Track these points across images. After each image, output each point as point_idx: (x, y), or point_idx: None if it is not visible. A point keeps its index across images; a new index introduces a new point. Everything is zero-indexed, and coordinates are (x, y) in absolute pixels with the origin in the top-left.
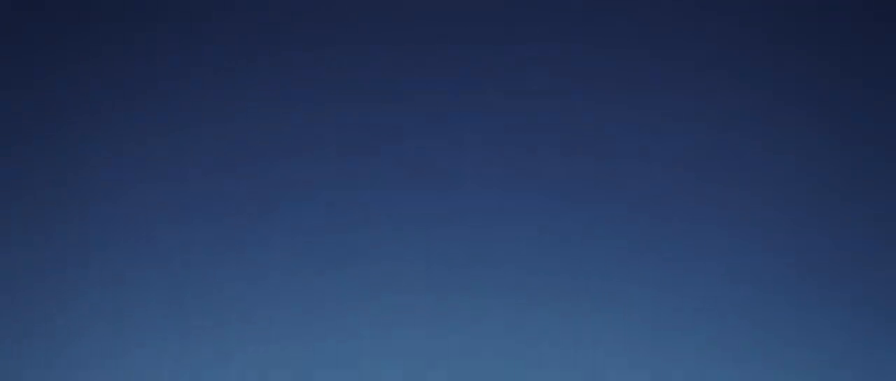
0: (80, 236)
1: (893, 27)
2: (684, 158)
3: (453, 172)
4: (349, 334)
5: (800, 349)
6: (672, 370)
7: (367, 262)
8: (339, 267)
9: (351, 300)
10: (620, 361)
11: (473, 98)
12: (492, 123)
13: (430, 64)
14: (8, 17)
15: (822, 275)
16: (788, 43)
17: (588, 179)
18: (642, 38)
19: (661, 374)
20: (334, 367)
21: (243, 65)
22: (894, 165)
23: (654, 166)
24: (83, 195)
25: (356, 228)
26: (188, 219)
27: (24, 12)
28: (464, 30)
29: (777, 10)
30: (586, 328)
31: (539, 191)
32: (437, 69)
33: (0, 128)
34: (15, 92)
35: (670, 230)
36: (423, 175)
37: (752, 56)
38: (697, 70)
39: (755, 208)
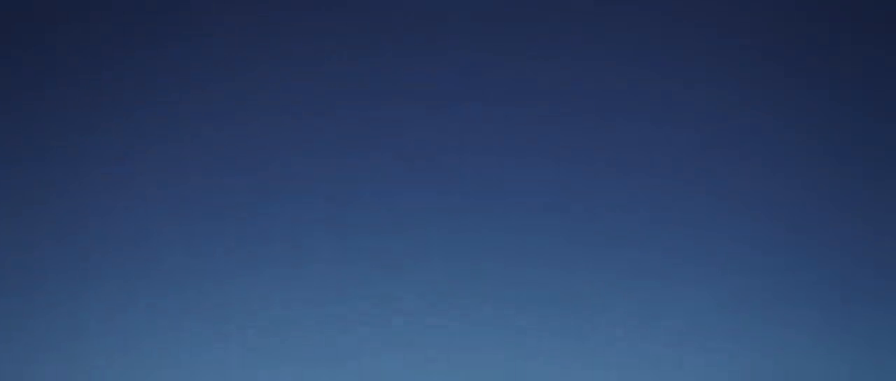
0: (83, 234)
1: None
2: (687, 155)
3: (453, 167)
4: (349, 325)
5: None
6: (670, 355)
7: (366, 256)
8: (340, 260)
9: (351, 293)
10: (624, 343)
11: (474, 94)
12: (492, 119)
13: (430, 59)
14: (8, 17)
15: (821, 267)
16: (793, 40)
17: (590, 174)
18: (646, 35)
19: (660, 358)
20: (335, 358)
21: (243, 61)
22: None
23: (656, 163)
24: (85, 194)
25: (356, 222)
26: (189, 215)
27: (24, 11)
28: (467, 27)
29: (784, 9)
30: (586, 322)
31: (541, 186)
32: (437, 65)
33: (3, 127)
34: (17, 92)
35: (671, 227)
36: (422, 170)
37: (756, 53)
38: (701, 66)
39: (756, 202)
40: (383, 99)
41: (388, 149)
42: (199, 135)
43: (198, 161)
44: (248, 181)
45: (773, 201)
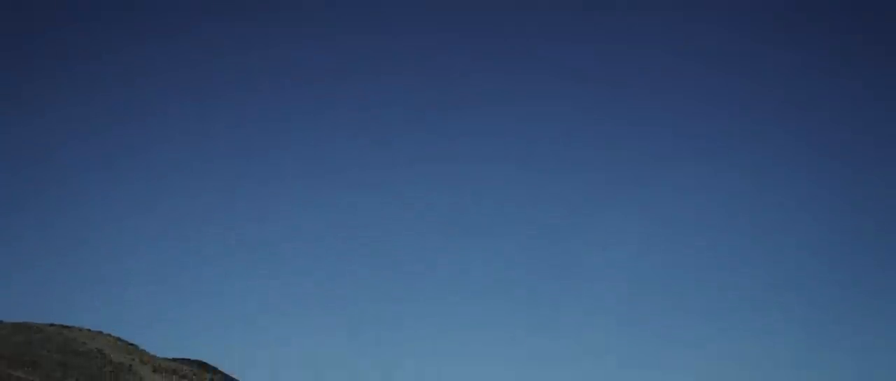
0: (86, 237)
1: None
2: (688, 161)
3: (460, 173)
4: (355, 328)
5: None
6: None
7: (373, 262)
8: (348, 266)
9: (355, 299)
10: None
11: (480, 102)
12: (498, 127)
13: (440, 63)
14: (10, 18)
15: (829, 275)
16: (793, 46)
17: (594, 182)
18: (647, 41)
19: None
20: (342, 359)
21: (253, 66)
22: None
23: (657, 170)
24: (90, 198)
25: (365, 228)
26: (201, 220)
27: (26, 13)
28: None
29: (786, 14)
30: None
31: (546, 192)
32: (446, 69)
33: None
34: (23, 94)
35: (674, 232)
36: (429, 176)
37: (758, 59)
38: (703, 73)
39: (756, 209)
40: (391, 105)
41: (397, 155)
42: (207, 142)
43: (207, 168)
44: (256, 188)
45: (781, 209)
